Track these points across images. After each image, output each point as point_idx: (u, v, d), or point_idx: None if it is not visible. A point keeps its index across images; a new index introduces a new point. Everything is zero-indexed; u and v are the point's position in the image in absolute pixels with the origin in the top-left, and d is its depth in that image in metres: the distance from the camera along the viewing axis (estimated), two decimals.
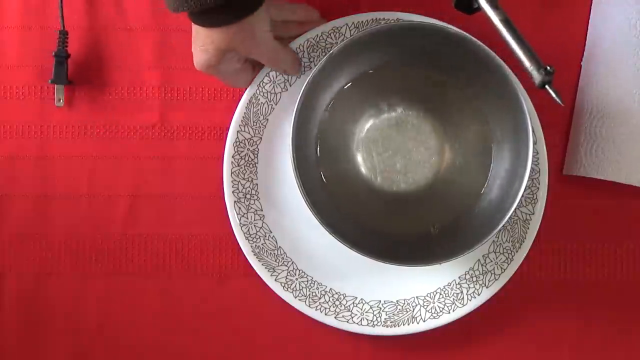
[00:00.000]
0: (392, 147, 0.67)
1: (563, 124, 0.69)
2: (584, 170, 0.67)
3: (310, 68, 0.66)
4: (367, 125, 0.67)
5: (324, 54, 0.66)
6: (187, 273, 0.69)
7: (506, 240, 0.66)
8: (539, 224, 0.66)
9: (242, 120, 0.66)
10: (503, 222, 0.60)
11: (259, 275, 0.66)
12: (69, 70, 0.68)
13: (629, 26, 0.67)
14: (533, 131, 0.61)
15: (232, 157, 0.66)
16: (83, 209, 0.69)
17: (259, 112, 0.66)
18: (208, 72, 0.61)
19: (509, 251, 0.66)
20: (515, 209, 0.60)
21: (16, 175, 0.69)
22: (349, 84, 0.66)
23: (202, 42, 0.59)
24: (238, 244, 0.66)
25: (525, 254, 0.66)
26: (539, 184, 0.66)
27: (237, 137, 0.66)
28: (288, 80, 0.66)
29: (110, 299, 0.69)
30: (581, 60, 0.69)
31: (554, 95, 0.52)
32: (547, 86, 0.52)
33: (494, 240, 0.66)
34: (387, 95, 0.67)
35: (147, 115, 0.69)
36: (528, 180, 0.65)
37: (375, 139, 0.67)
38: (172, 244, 0.69)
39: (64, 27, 0.68)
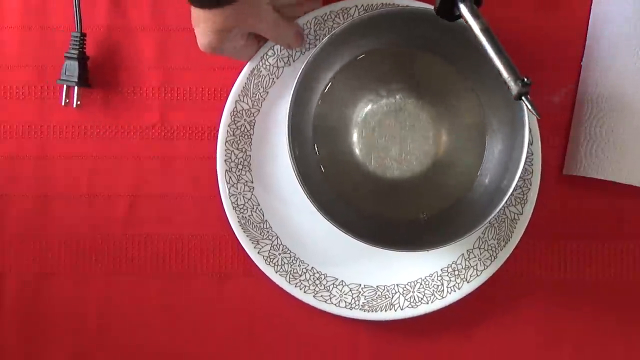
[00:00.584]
0: (388, 133, 0.67)
1: (563, 125, 0.69)
2: (584, 170, 0.67)
3: (315, 45, 0.66)
4: (365, 109, 0.67)
5: (330, 32, 0.66)
6: (187, 273, 0.69)
7: (492, 237, 0.66)
8: (527, 224, 0.66)
9: (241, 91, 0.66)
10: (494, 214, 0.60)
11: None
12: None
13: (629, 26, 0.67)
14: (530, 130, 0.61)
15: (228, 126, 0.66)
16: (83, 209, 0.69)
17: (259, 84, 0.67)
18: (213, 54, 0.61)
19: (493, 248, 0.66)
20: (507, 200, 0.60)
21: (16, 175, 0.69)
22: (349, 67, 0.66)
23: (203, 24, 0.59)
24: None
25: (509, 253, 0.66)
26: (531, 184, 0.66)
27: (235, 107, 0.66)
28: (291, 55, 0.67)
29: (110, 299, 0.69)
30: (581, 60, 0.69)
31: (530, 107, 0.52)
32: (523, 98, 0.52)
33: (479, 236, 0.66)
34: (386, 81, 0.67)
35: (147, 115, 0.69)
36: (519, 180, 0.66)
37: (373, 124, 0.67)
38: (172, 244, 0.69)
39: (81, 29, 0.68)
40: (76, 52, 0.68)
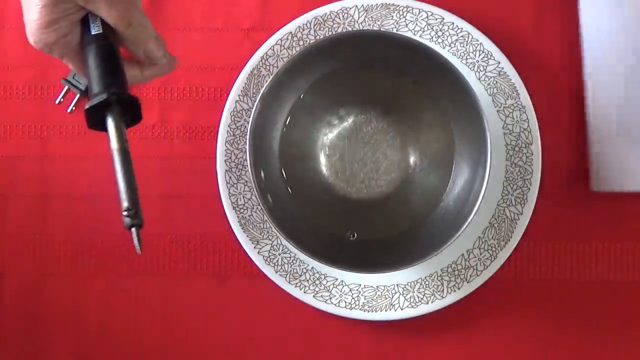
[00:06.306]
0: (354, 155, 0.67)
1: (562, 124, 0.69)
2: (611, 185, 0.67)
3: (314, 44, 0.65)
4: (329, 133, 0.68)
5: (330, 33, 0.66)
6: (187, 273, 0.69)
7: (492, 237, 0.66)
8: (527, 224, 0.66)
9: (241, 91, 0.67)
10: (454, 239, 0.61)
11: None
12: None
13: (624, 35, 0.67)
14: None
15: (228, 126, 0.67)
16: (83, 209, 0.69)
17: (259, 84, 0.67)
18: (46, 50, 0.52)
19: (493, 248, 0.66)
20: (466, 227, 0.61)
21: (16, 175, 0.69)
22: (310, 91, 0.67)
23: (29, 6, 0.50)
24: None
25: (509, 253, 0.66)
26: (531, 184, 0.66)
27: (235, 107, 0.67)
28: (291, 55, 0.66)
29: (110, 299, 0.69)
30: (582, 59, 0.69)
31: (135, 241, 0.50)
32: (132, 229, 0.50)
33: (479, 236, 0.67)
34: (349, 103, 0.67)
35: (147, 115, 0.69)
36: (519, 180, 0.66)
37: (337, 147, 0.67)
38: (172, 244, 0.69)
39: None
40: None
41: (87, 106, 0.50)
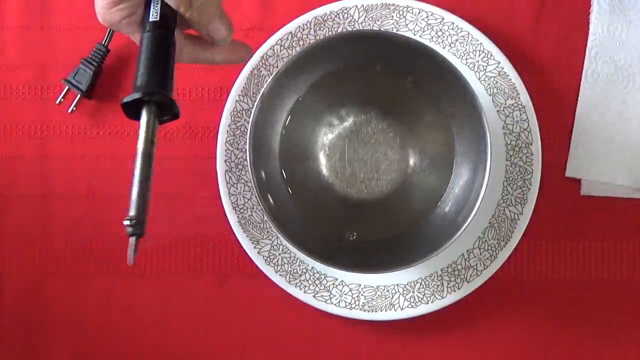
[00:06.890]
0: (354, 155, 0.67)
1: (563, 124, 0.69)
2: (587, 173, 0.67)
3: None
4: (329, 133, 0.68)
5: (330, 33, 0.66)
6: (187, 273, 0.69)
7: (492, 237, 0.66)
8: (527, 224, 0.66)
9: (241, 91, 0.67)
10: (457, 235, 0.61)
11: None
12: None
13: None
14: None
15: (228, 126, 0.67)
16: (83, 209, 0.69)
17: (259, 84, 0.67)
18: (114, 28, 0.52)
19: (493, 248, 0.66)
20: (466, 227, 0.61)
21: (16, 175, 0.69)
22: (310, 91, 0.67)
23: None
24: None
25: (509, 253, 0.66)
26: (531, 184, 0.66)
27: (235, 107, 0.67)
28: (290, 55, 0.67)
29: (110, 299, 0.69)
30: (584, 58, 0.69)
31: (130, 251, 0.47)
32: (132, 238, 0.47)
33: (479, 236, 0.67)
34: (350, 103, 0.67)
35: None
36: (519, 180, 0.66)
37: (337, 147, 0.67)
38: (172, 244, 0.69)
39: (109, 43, 0.68)
40: (95, 64, 0.68)
41: (122, 101, 0.49)
